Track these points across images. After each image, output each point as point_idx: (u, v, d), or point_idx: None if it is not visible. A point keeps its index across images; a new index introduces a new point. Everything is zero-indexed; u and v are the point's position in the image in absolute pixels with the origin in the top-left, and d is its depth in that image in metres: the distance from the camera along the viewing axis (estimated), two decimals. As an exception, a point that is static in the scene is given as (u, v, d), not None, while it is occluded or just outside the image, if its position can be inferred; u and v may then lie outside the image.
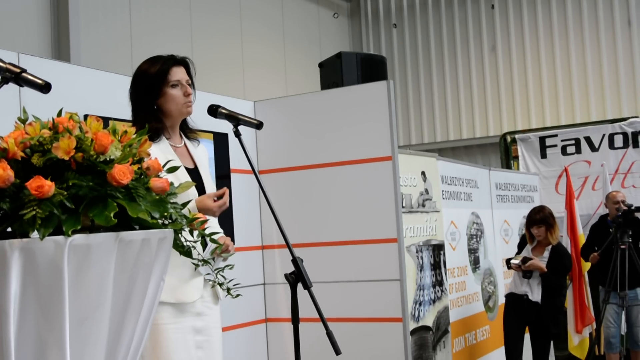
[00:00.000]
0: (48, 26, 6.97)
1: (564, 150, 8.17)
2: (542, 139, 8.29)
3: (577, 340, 6.78)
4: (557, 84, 10.97)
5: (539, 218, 5.46)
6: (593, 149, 8.00)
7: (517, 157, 8.40)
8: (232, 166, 4.29)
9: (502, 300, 6.04)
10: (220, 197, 2.69)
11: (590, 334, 6.88)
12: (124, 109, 2.87)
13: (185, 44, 8.46)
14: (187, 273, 2.56)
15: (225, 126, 3.54)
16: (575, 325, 6.72)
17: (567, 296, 6.82)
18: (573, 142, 8.13)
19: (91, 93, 3.44)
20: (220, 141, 4.21)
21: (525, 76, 11.20)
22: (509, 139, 8.54)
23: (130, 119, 2.78)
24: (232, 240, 3.31)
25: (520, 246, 5.72)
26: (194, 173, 2.81)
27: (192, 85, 2.84)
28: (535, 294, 5.29)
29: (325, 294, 3.81)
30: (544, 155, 8.27)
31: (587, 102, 10.78)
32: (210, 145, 4.16)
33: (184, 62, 2.82)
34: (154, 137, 2.67)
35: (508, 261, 5.53)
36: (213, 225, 2.83)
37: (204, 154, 2.97)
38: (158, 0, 8.34)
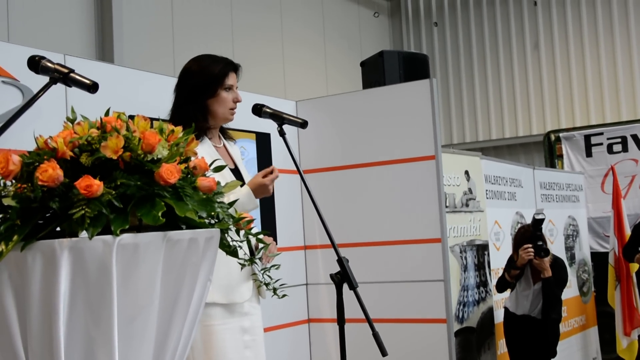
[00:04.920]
0: (92, 28, 7.07)
1: (610, 149, 8.01)
2: (587, 137, 8.14)
3: (626, 343, 6.64)
4: (602, 81, 10.74)
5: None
6: (640, 147, 7.83)
7: (561, 156, 8.27)
8: (274, 166, 4.28)
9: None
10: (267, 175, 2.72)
11: (639, 336, 6.73)
12: (168, 110, 2.88)
13: (227, 44, 8.50)
14: (239, 274, 2.56)
15: (267, 126, 3.54)
16: (623, 327, 6.58)
17: (615, 298, 6.69)
18: (619, 140, 7.96)
19: (135, 94, 3.46)
20: (263, 141, 4.20)
21: (569, 73, 10.99)
22: (553, 137, 8.40)
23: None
24: (275, 240, 3.31)
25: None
26: (236, 173, 2.83)
27: None
28: (536, 309, 4.88)
29: (367, 294, 3.77)
30: (589, 153, 8.12)
31: (633, 99, 10.53)
32: (253, 145, 4.17)
33: (237, 69, 2.86)
34: (198, 136, 2.68)
35: (507, 271, 4.96)
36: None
37: (239, 154, 2.99)
38: (200, 1, 8.40)
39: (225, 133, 2.95)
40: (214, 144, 2.82)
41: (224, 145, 2.90)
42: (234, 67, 2.83)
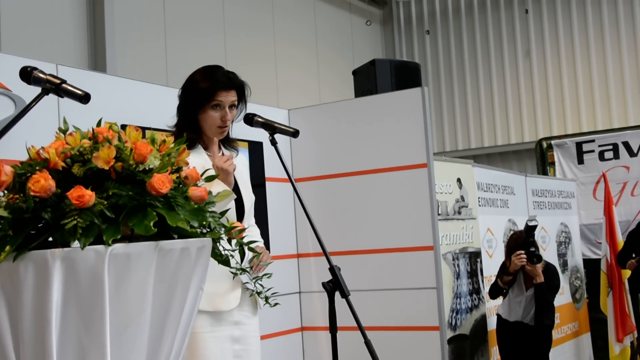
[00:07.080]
0: (85, 38, 7.07)
1: (601, 156, 8.05)
2: (579, 145, 8.18)
3: (619, 350, 6.66)
4: (594, 88, 10.80)
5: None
6: (632, 154, 7.86)
7: (553, 163, 8.31)
8: (267, 174, 4.30)
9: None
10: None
11: (632, 342, 6.76)
12: (160, 119, 2.89)
13: (219, 55, 8.52)
14: (225, 282, 2.57)
15: (260, 135, 3.55)
16: (616, 334, 6.60)
17: (608, 304, 6.71)
18: (611, 147, 8.00)
19: (128, 103, 3.47)
20: (255, 150, 4.22)
21: (561, 81, 11.06)
22: (545, 144, 8.44)
23: (167, 128, 2.80)
24: (268, 248, 3.31)
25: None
26: (232, 183, 2.80)
27: (245, 105, 2.80)
28: (529, 316, 4.90)
29: (360, 302, 3.78)
30: (581, 161, 8.16)
31: (624, 106, 10.60)
32: (245, 153, 4.17)
33: (235, 86, 2.75)
34: (192, 145, 2.67)
35: (501, 274, 4.96)
36: (253, 234, 2.83)
37: (242, 164, 2.94)
38: (192, 10, 8.42)
39: (228, 144, 2.88)
40: (210, 154, 2.80)
41: (223, 155, 2.87)
42: (227, 86, 2.71)
